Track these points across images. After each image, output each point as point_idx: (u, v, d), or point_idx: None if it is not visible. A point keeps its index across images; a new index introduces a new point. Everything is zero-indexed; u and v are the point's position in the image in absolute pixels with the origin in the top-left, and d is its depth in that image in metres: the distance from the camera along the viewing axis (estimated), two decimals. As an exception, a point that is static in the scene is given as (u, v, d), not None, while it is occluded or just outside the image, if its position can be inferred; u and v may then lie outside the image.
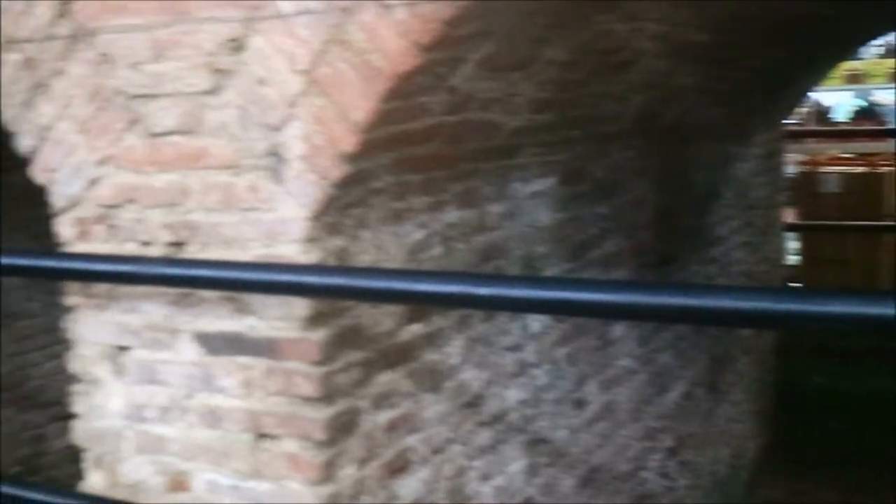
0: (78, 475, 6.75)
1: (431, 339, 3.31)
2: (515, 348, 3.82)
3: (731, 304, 2.17)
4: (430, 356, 3.31)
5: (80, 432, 3.29)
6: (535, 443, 3.99)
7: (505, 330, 3.74)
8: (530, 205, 3.90)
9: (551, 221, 4.06)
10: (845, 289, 3.40)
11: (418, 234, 3.23)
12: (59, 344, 6.65)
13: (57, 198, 3.19)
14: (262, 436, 2.93)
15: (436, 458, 3.36)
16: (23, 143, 3.24)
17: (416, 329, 3.23)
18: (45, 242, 6.43)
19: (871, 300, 2.01)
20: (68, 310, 3.27)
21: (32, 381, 6.59)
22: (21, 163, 6.32)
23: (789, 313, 2.11)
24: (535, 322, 3.94)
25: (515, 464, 3.86)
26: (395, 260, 3.11)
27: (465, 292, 2.53)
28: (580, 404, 4.39)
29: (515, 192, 3.79)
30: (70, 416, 6.70)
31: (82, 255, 3.10)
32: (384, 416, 3.10)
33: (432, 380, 3.32)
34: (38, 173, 3.23)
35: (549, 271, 4.03)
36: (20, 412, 6.50)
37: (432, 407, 3.33)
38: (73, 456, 6.74)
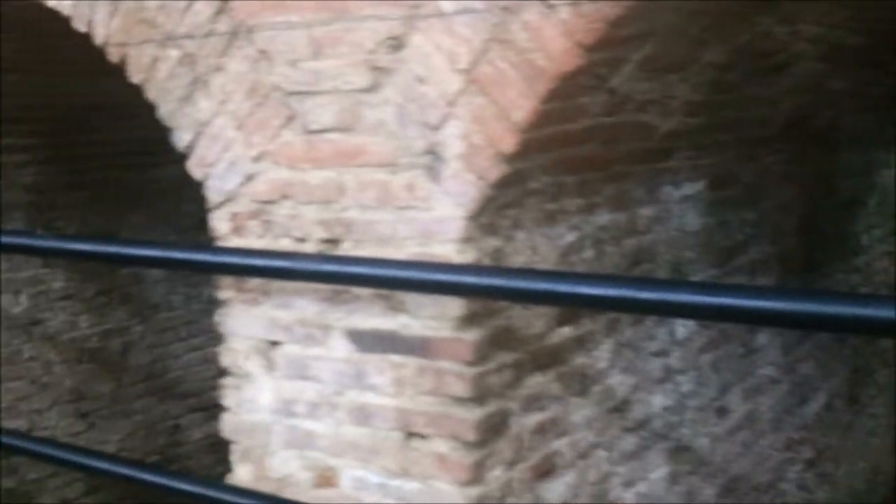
0: (212, 466, 6.86)
1: (581, 343, 3.28)
2: (661, 354, 3.77)
3: (876, 313, 2.10)
4: (579, 359, 3.28)
5: (228, 425, 3.31)
6: (678, 450, 3.93)
7: (652, 335, 3.69)
8: (679, 209, 3.84)
9: (699, 226, 4.00)
10: None
11: (570, 237, 3.20)
12: (197, 336, 6.81)
13: (212, 193, 3.22)
14: (412, 434, 2.92)
15: (581, 462, 3.32)
16: (180, 138, 3.28)
17: (566, 332, 3.20)
18: (188, 235, 6.56)
19: None
20: (218, 304, 3.28)
21: (171, 373, 6.68)
22: (166, 159, 6.43)
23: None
24: (682, 327, 3.88)
25: (658, 471, 3.81)
26: (547, 262, 3.09)
27: (622, 296, 2.49)
28: (722, 412, 4.31)
29: (665, 196, 3.74)
30: (206, 408, 6.81)
31: (237, 249, 3.13)
32: (533, 419, 3.08)
33: (580, 383, 3.29)
34: (194, 168, 3.26)
35: (696, 277, 3.97)
36: (159, 402, 6.60)
37: (579, 411, 3.30)
38: (209, 447, 6.87)
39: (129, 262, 3.50)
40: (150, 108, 5.97)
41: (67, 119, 5.77)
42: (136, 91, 5.81)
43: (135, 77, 3.38)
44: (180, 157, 6.54)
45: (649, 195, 3.62)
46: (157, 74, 3.31)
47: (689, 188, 3.90)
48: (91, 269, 6.12)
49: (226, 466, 6.96)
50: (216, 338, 6.82)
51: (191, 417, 6.81)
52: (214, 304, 6.75)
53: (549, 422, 3.16)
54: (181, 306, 6.72)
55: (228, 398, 3.28)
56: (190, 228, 6.66)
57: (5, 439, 4.14)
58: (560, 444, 3.22)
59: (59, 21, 4.27)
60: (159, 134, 6.29)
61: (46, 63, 5.23)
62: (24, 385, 5.83)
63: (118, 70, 5.51)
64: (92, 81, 5.54)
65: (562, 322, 3.17)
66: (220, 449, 6.91)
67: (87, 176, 6.14)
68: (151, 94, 3.34)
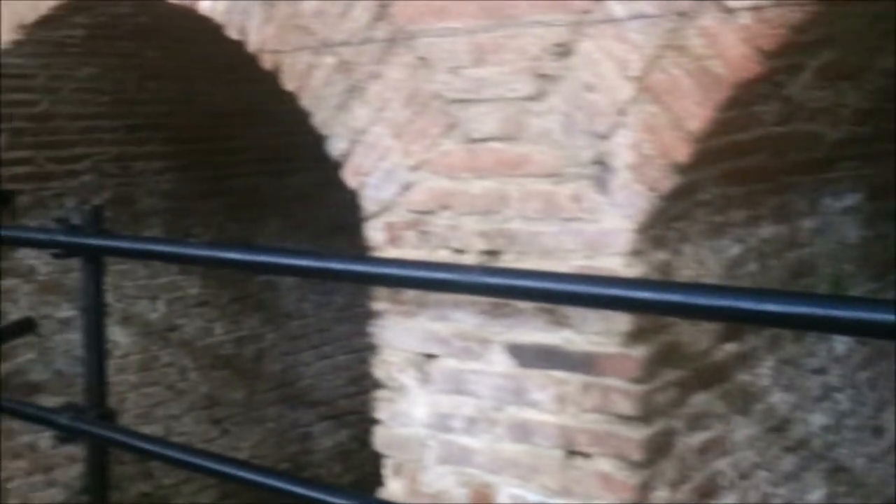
0: (341, 475, 6.85)
1: (744, 360, 3.17)
2: (821, 371, 3.64)
3: None
4: (743, 377, 3.17)
5: (381, 439, 3.24)
6: (835, 471, 3.79)
7: (812, 351, 3.56)
8: (839, 221, 3.70)
9: (858, 239, 3.86)
10: None
11: (736, 250, 3.09)
12: (328, 344, 6.80)
13: (368, 202, 3.17)
14: (574, 453, 2.84)
15: (743, 483, 3.21)
16: (335, 147, 3.23)
17: (730, 348, 3.09)
18: (321, 243, 6.56)
19: None
20: (374, 315, 3.23)
21: (303, 381, 6.69)
22: (299, 166, 6.44)
23: None
24: (840, 344, 3.75)
25: (816, 492, 3.67)
26: (713, 276, 2.98)
27: (791, 312, 2.38)
28: (879, 432, 4.16)
29: (826, 208, 3.60)
30: (336, 417, 6.81)
31: (394, 260, 3.07)
32: (697, 438, 2.97)
33: (743, 401, 3.18)
34: (349, 177, 3.22)
35: (855, 291, 3.83)
36: (290, 410, 6.60)
37: (741, 430, 3.19)
38: (338, 456, 6.87)
39: (287, 271, 3.45)
40: (284, 115, 6.01)
41: (205, 126, 5.79)
42: (271, 98, 5.83)
43: (289, 84, 3.34)
44: (312, 165, 6.58)
45: (811, 207, 3.50)
46: (311, 82, 3.27)
47: (850, 199, 3.76)
48: (225, 276, 6.15)
49: (354, 475, 6.98)
50: (346, 346, 6.89)
51: (321, 426, 6.81)
52: (345, 312, 6.79)
53: (713, 441, 3.05)
54: (312, 314, 6.72)
55: (381, 411, 3.22)
56: (322, 235, 6.68)
57: (144, 444, 4.15)
58: (722, 465, 3.11)
59: (201, 28, 4.28)
60: (292, 140, 6.35)
61: (186, 70, 5.25)
62: (161, 391, 5.87)
63: (255, 77, 5.53)
64: (229, 88, 5.56)
65: (726, 338, 3.06)
66: (348, 458, 6.95)
67: (223, 183, 6.17)
68: (306, 101, 3.30)
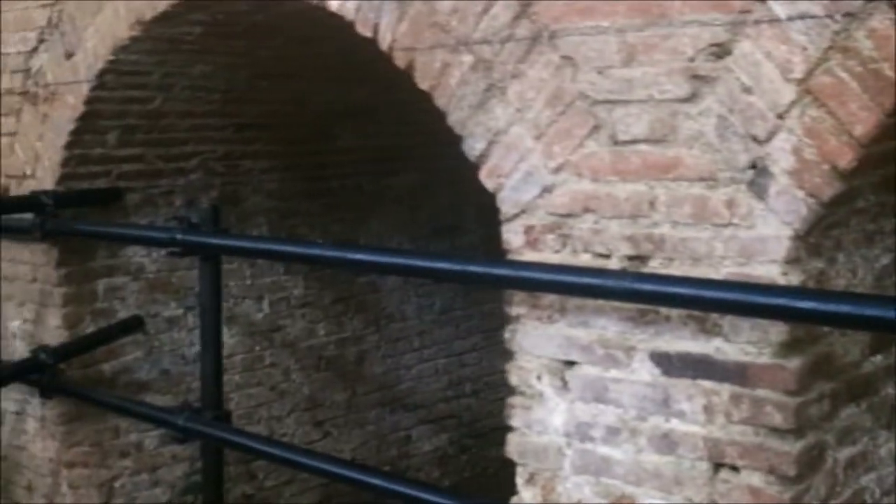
0: (440, 480, 6.79)
1: (891, 372, 3.06)
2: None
3: None
4: (890, 390, 3.06)
5: (514, 447, 3.17)
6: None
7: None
8: None
9: None
10: None
11: (885, 259, 2.99)
12: (429, 347, 6.75)
13: (506, 204, 3.10)
14: (722, 466, 2.75)
15: (886, 500, 3.11)
16: (472, 147, 3.17)
17: (878, 360, 2.99)
18: (422, 245, 6.51)
19: None
20: (510, 320, 3.15)
21: (403, 384, 6.64)
22: (400, 167, 6.39)
23: None
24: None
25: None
26: (864, 285, 2.89)
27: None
28: None
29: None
30: (435, 420, 6.75)
31: (536, 263, 3.00)
32: (846, 453, 2.88)
33: (889, 415, 3.07)
34: (486, 178, 3.15)
35: None
36: (391, 413, 6.55)
37: (886, 445, 3.09)
38: (437, 460, 6.81)
39: (423, 274, 3.39)
40: (387, 116, 5.99)
41: (309, 125, 5.76)
42: (375, 99, 5.82)
43: (422, 83, 3.28)
44: (414, 166, 6.54)
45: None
46: (447, 80, 3.21)
47: None
48: (329, 276, 6.12)
49: (451, 480, 6.92)
50: (446, 349, 6.83)
51: (420, 429, 6.76)
52: (445, 315, 6.73)
53: (860, 456, 2.95)
54: (414, 317, 6.67)
55: (516, 418, 3.15)
56: (423, 237, 6.63)
57: (260, 446, 4.12)
58: (868, 480, 3.01)
59: (315, 27, 4.25)
60: (395, 142, 6.31)
61: (295, 69, 5.22)
62: (264, 391, 5.84)
63: (360, 78, 5.50)
64: (335, 89, 5.53)
65: (875, 350, 2.96)
66: (447, 462, 6.89)
67: (326, 183, 6.14)
68: (441, 101, 3.24)
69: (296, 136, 5.75)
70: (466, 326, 7.01)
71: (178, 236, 4.08)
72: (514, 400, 3.15)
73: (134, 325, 5.19)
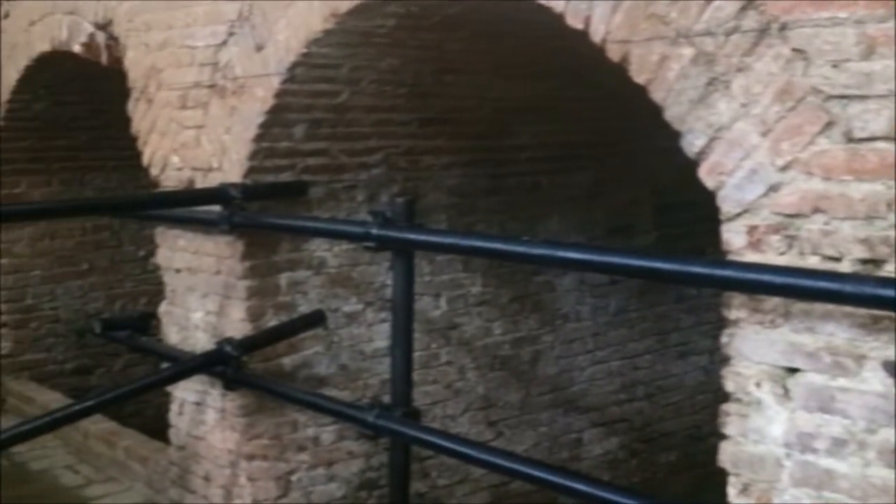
0: (615, 483, 6.66)
1: None
2: None
3: None
4: None
5: (728, 455, 3.04)
6: None
7: None
8: None
9: None
10: None
11: None
12: (602, 349, 6.63)
13: (727, 203, 2.97)
14: (957, 483, 2.60)
15: None
16: (691, 143, 3.04)
17: None
18: (598, 244, 6.40)
19: None
20: (727, 323, 3.02)
21: (576, 385, 6.53)
22: (577, 165, 6.28)
23: None
24: None
25: None
26: None
27: None
28: None
29: None
30: (606, 423, 6.64)
31: (762, 265, 2.86)
32: None
33: None
34: (706, 176, 3.02)
35: None
36: (563, 415, 6.45)
37: None
38: (608, 464, 6.69)
39: (646, 275, 3.25)
40: (565, 113, 5.88)
41: (489, 121, 5.69)
42: (554, 95, 5.72)
43: (638, 77, 3.17)
44: (591, 164, 6.42)
45: None
46: (666, 74, 3.09)
47: None
48: (507, 274, 6.04)
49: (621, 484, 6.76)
50: (620, 351, 6.71)
51: (592, 432, 6.65)
52: (619, 316, 6.61)
53: None
54: (589, 317, 6.56)
55: (731, 426, 3.01)
56: (600, 237, 6.52)
57: (452, 445, 4.05)
58: None
59: (505, 21, 4.17)
60: (572, 139, 6.21)
61: (480, 64, 5.15)
62: (439, 389, 5.79)
63: (542, 73, 5.41)
64: (517, 84, 5.45)
65: None
66: (617, 466, 6.77)
67: (504, 180, 6.06)
68: (658, 95, 3.12)
69: (476, 132, 5.69)
70: (640, 328, 6.88)
71: (374, 231, 4.03)
72: (730, 407, 3.02)
73: (316, 319, 5.17)
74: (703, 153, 3.01)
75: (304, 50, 4.54)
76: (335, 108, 4.92)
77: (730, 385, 3.01)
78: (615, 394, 6.76)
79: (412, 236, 3.93)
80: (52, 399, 7.27)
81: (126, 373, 8.12)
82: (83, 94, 7.47)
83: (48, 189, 7.93)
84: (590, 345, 6.59)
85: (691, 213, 6.89)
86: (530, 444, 6.26)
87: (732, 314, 2.99)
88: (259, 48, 4.78)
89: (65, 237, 8.06)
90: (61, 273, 8.08)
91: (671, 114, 3.09)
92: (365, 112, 5.06)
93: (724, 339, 3.03)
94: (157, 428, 5.99)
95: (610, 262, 3.23)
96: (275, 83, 4.69)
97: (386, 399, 4.57)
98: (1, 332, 7.91)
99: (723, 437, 3.06)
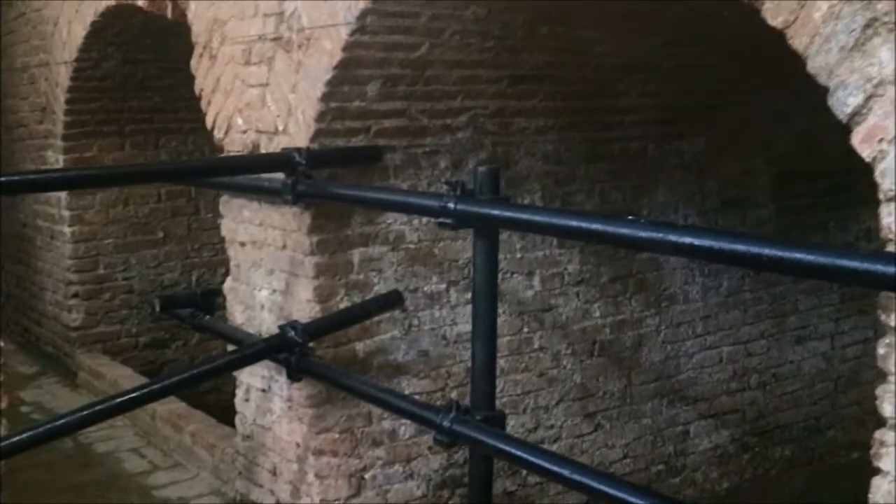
0: (718, 481, 6.10)
1: None
2: None
3: None
4: None
5: (882, 496, 2.42)
6: None
7: None
8: None
9: None
10: None
11: None
12: (713, 333, 6.02)
13: (888, 179, 2.34)
14: None
15: None
16: (842, 101, 2.41)
17: None
18: (710, 219, 5.81)
19: None
20: (884, 330, 2.40)
21: (683, 373, 5.95)
22: (688, 129, 5.67)
23: None
24: None
25: None
26: None
27: None
28: None
29: None
30: (716, 415, 6.04)
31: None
32: None
33: None
34: (861, 143, 2.39)
35: None
36: (668, 405, 5.87)
37: None
38: (716, 459, 6.11)
39: (794, 270, 2.58)
40: (675, 74, 5.27)
41: (591, 80, 5.12)
42: (663, 53, 5.12)
43: (774, 19, 2.55)
44: (703, 130, 5.80)
45: None
46: (810, 14, 2.46)
47: None
48: (607, 251, 5.47)
49: (730, 482, 6.22)
50: (732, 336, 6.10)
51: (700, 424, 6.10)
52: (732, 297, 6.00)
53: None
54: (698, 299, 5.97)
55: (886, 459, 2.40)
56: (711, 210, 5.94)
57: (537, 460, 3.47)
58: None
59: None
60: (683, 101, 5.59)
61: (580, 16, 4.57)
62: (531, 378, 5.28)
63: (650, 28, 4.81)
64: (622, 40, 4.86)
65: None
66: (727, 462, 6.19)
67: (606, 146, 5.50)
68: (799, 41, 2.50)
69: (576, 92, 5.13)
70: (755, 311, 6.26)
71: (451, 205, 3.45)
72: (886, 436, 2.40)
73: (393, 300, 4.66)
74: (857, 114, 2.38)
75: (376, -5, 3.99)
76: (413, 63, 4.37)
77: (886, 408, 2.39)
78: (726, 382, 6.18)
79: (495, 212, 3.35)
80: (122, 375, 7.08)
81: (203, 347, 7.82)
82: (154, 51, 7.15)
83: (121, 153, 7.60)
84: (699, 329, 6.02)
85: (812, 184, 6.33)
86: (631, 437, 5.73)
87: (892, 320, 2.37)
88: (327, -6, 4.23)
89: (139, 204, 7.70)
90: (135, 242, 7.75)
91: (816, 64, 2.46)
92: (447, 68, 4.50)
93: (879, 351, 2.41)
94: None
95: (737, 252, 2.58)
96: (343, 34, 4.14)
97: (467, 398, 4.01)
98: (72, 303, 7.63)
99: (875, 471, 2.44)
